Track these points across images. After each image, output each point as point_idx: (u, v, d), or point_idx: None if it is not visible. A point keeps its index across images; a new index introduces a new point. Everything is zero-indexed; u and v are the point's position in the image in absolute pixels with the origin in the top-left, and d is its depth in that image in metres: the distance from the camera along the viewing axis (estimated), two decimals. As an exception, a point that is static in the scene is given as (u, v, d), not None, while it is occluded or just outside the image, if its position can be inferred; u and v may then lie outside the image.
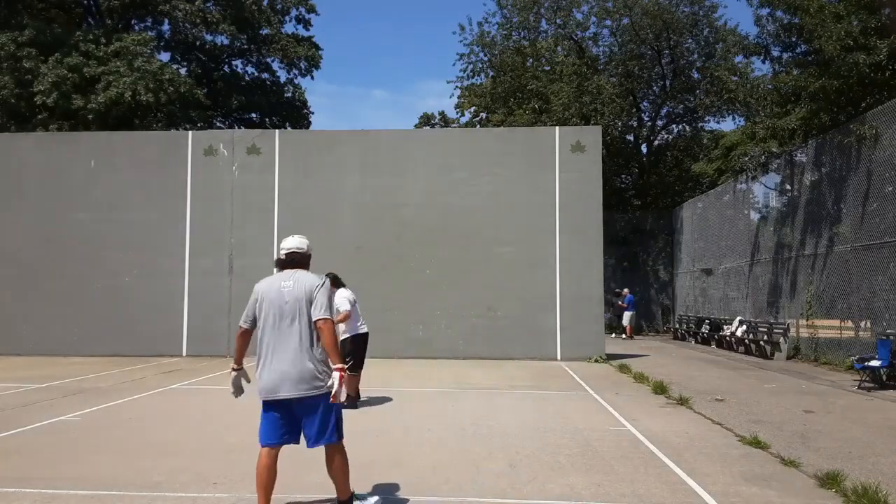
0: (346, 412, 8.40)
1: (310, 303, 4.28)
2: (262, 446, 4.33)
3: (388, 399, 9.47)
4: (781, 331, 15.58)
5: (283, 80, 34.73)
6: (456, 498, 4.94)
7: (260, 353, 4.34)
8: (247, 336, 4.53)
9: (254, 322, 4.43)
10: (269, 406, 4.30)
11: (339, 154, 16.05)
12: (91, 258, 15.91)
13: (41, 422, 7.76)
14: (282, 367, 4.22)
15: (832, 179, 14.83)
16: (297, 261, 4.49)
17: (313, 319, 4.26)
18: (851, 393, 10.40)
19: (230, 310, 15.41)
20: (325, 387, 4.22)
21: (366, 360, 9.12)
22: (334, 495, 4.81)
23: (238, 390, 4.67)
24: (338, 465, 4.36)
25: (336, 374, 4.18)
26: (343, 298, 8.67)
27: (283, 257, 4.52)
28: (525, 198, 15.60)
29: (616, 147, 29.21)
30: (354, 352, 8.75)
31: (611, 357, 15.24)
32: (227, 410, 8.78)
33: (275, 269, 4.55)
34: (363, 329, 8.96)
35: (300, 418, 4.29)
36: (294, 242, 4.55)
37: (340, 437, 4.39)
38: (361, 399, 9.01)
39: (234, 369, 4.69)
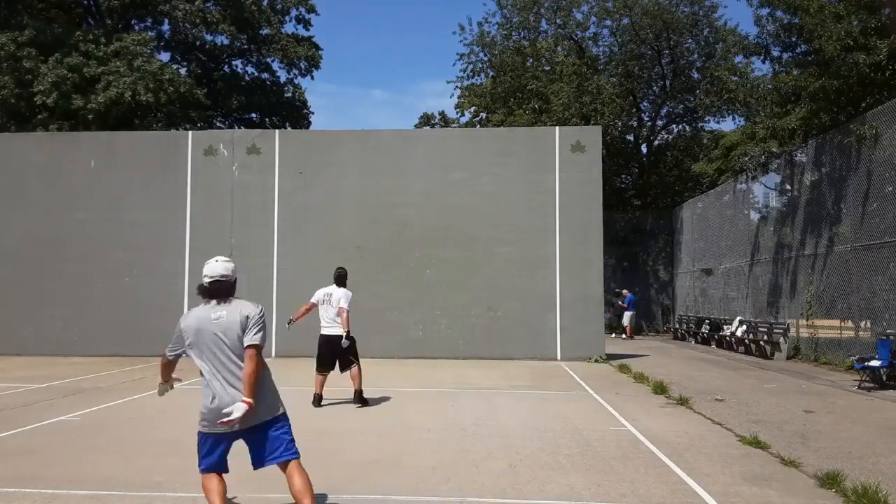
0: (344, 410, 8.44)
1: (245, 326, 4.00)
2: (208, 472, 4.08)
3: (388, 399, 9.46)
4: (781, 331, 15.58)
5: (283, 80, 34.80)
6: (456, 498, 4.94)
7: (204, 383, 4.05)
8: (171, 366, 4.33)
9: (179, 354, 4.16)
10: (215, 435, 4.03)
11: (339, 154, 16.05)
12: (91, 258, 15.90)
13: (41, 422, 7.76)
14: (228, 398, 3.93)
15: (832, 179, 14.83)
16: (223, 289, 4.12)
17: (244, 345, 3.97)
18: (851, 393, 10.40)
19: (230, 310, 15.39)
20: (278, 409, 4.09)
21: (361, 361, 9.07)
22: (334, 494, 4.82)
23: (163, 392, 4.60)
24: (305, 480, 4.04)
25: (242, 405, 3.88)
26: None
27: (206, 285, 4.13)
28: (525, 198, 15.60)
29: (616, 147, 29.21)
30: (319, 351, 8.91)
31: (611, 357, 15.23)
32: (227, 410, 8.77)
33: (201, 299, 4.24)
34: (324, 330, 8.87)
35: (248, 444, 4.07)
36: (219, 269, 4.15)
37: (296, 454, 4.12)
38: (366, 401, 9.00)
39: (162, 382, 4.53)
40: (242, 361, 3.96)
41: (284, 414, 4.14)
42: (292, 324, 8.95)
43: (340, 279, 9.10)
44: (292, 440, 4.12)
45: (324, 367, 8.89)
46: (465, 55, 30.32)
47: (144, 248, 15.91)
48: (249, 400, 3.90)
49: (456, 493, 5.06)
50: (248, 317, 4.03)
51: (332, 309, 8.79)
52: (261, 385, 4.00)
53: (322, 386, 8.91)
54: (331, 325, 8.79)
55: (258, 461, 4.08)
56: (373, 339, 15.32)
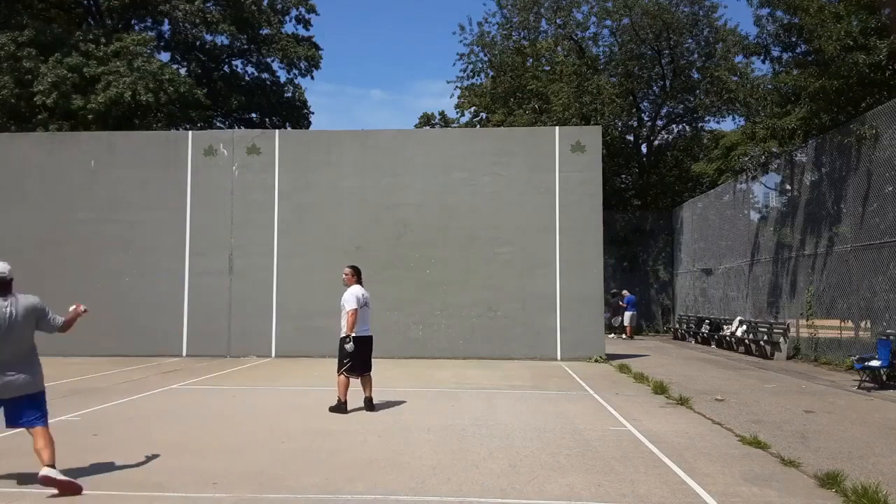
0: (353, 415, 8.43)
1: (41, 316, 5.25)
2: None
3: (388, 399, 9.46)
4: (781, 331, 15.58)
5: (283, 80, 34.80)
6: (456, 498, 4.94)
7: None
8: None
9: None
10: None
11: (339, 154, 16.05)
12: (91, 258, 15.90)
13: (41, 422, 7.74)
14: (12, 371, 5.02)
15: (832, 179, 14.83)
16: (2, 285, 5.15)
17: (57, 327, 5.32)
18: (851, 393, 10.40)
19: (230, 310, 15.40)
20: (40, 387, 5.24)
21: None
22: (334, 495, 4.82)
23: None
24: (47, 441, 5.11)
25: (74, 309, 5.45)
26: (352, 296, 8.49)
27: None
28: (525, 198, 15.61)
29: (616, 147, 29.20)
30: (355, 353, 8.48)
31: (611, 357, 15.23)
32: (227, 410, 8.79)
33: None
34: (365, 332, 8.62)
35: (19, 409, 5.14)
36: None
37: (46, 422, 5.27)
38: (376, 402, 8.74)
39: None
40: (25, 343, 5.14)
41: (44, 391, 5.30)
42: (350, 340, 8.36)
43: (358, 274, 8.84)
44: (46, 413, 5.29)
45: (361, 369, 8.56)
46: (465, 55, 30.35)
47: (144, 248, 15.91)
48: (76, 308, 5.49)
49: (456, 493, 5.05)
50: (38, 308, 5.26)
51: (368, 310, 8.66)
52: (31, 363, 5.17)
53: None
54: (369, 327, 8.65)
55: (12, 423, 5.20)
56: (373, 339, 15.32)
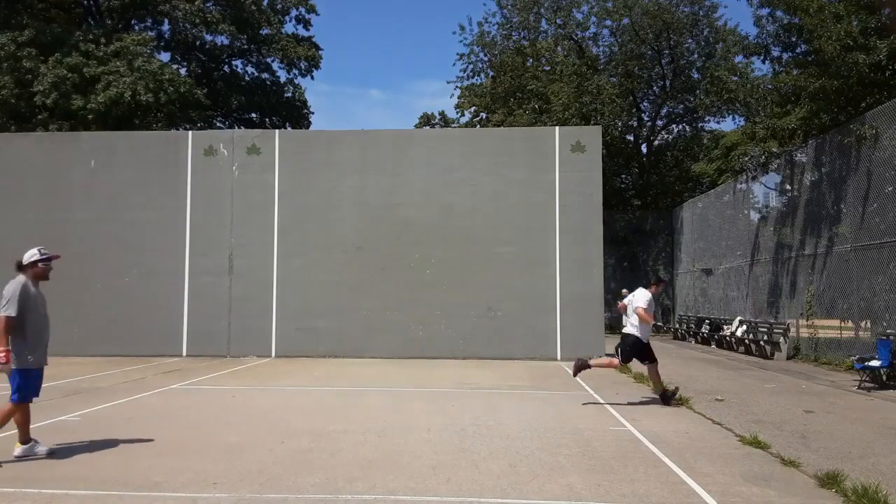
0: (344, 409, 8.42)
1: None
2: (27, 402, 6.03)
3: (388, 399, 9.46)
4: (781, 331, 15.57)
5: (282, 80, 34.83)
6: (456, 498, 4.94)
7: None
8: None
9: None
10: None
11: (339, 154, 16.06)
12: (91, 258, 15.90)
13: (41, 422, 7.75)
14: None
15: (832, 179, 14.83)
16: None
17: None
18: (851, 393, 10.40)
19: (230, 310, 15.40)
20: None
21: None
22: (333, 495, 4.82)
23: None
24: (5, 415, 5.96)
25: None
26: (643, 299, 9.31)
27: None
28: (525, 198, 15.61)
29: (616, 147, 29.22)
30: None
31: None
32: (227, 410, 8.79)
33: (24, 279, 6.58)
34: (624, 329, 9.60)
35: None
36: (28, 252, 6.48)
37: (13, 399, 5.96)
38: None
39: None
40: None
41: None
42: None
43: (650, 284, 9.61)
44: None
45: (621, 359, 9.50)
46: (465, 55, 30.40)
47: (144, 248, 15.91)
48: (4, 348, 5.92)
49: (456, 493, 5.05)
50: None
51: (630, 310, 9.46)
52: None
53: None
54: (625, 326, 9.62)
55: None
56: (373, 339, 15.34)
